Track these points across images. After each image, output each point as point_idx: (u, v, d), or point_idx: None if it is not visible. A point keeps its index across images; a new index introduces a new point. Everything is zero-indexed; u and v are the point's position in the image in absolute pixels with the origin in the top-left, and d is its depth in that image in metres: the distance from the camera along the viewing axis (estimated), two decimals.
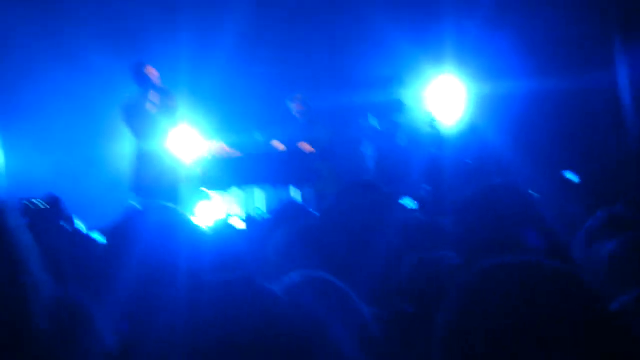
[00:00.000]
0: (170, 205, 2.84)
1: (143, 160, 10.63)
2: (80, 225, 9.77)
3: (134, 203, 10.91)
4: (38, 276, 1.54)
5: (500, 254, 1.93)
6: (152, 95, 10.65)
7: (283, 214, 5.45)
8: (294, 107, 12.06)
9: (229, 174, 11.24)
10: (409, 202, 8.49)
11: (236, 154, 11.58)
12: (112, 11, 13.94)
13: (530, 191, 3.53)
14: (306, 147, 11.60)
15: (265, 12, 13.84)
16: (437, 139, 11.70)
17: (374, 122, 12.69)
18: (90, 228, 9.71)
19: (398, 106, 12.85)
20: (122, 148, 12.07)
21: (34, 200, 9.65)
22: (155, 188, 10.33)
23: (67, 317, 1.91)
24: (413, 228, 3.95)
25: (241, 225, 7.35)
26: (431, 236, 3.86)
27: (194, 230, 2.71)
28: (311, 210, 5.59)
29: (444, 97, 12.86)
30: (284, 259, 3.54)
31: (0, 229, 1.51)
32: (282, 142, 11.77)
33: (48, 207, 9.47)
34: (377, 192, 4.14)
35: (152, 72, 10.73)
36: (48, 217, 9.50)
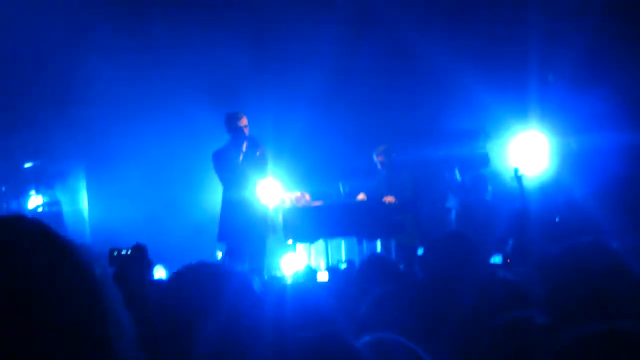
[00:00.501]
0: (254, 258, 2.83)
1: (231, 208, 10.69)
2: (163, 272, 9.91)
3: (220, 252, 11.03)
4: (122, 320, 1.57)
5: (592, 316, 1.90)
6: (243, 145, 10.74)
7: (367, 267, 5.44)
8: (378, 159, 12.04)
9: (313, 225, 11.25)
10: (495, 258, 8.40)
11: (319, 204, 11.61)
12: (204, 61, 14.16)
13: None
14: (389, 199, 11.57)
15: (351, 64, 13.93)
16: (522, 194, 11.58)
17: (458, 175, 12.63)
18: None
19: (483, 160, 12.79)
20: (211, 196, 12.18)
21: (120, 249, 9.82)
22: (242, 237, 10.40)
23: None
24: (498, 284, 3.90)
25: (324, 278, 7.35)
26: (517, 293, 3.81)
27: (278, 283, 2.70)
28: (395, 262, 5.57)
29: (530, 151, 12.76)
30: (373, 316, 3.52)
31: (86, 274, 1.54)
32: (366, 193, 11.76)
33: (134, 255, 9.61)
34: (467, 244, 4.09)
35: (244, 122, 10.81)
36: (134, 265, 9.65)
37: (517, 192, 11.69)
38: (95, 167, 15.19)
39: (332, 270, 7.94)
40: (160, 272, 9.94)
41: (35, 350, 1.43)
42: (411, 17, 12.95)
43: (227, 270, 2.68)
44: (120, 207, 14.45)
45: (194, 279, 2.65)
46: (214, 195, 11.78)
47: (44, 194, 14.76)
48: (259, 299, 2.64)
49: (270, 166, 11.37)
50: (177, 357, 2.51)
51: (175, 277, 2.70)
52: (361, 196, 11.71)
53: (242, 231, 10.43)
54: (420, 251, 10.66)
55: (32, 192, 14.71)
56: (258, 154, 10.77)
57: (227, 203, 10.77)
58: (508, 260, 8.57)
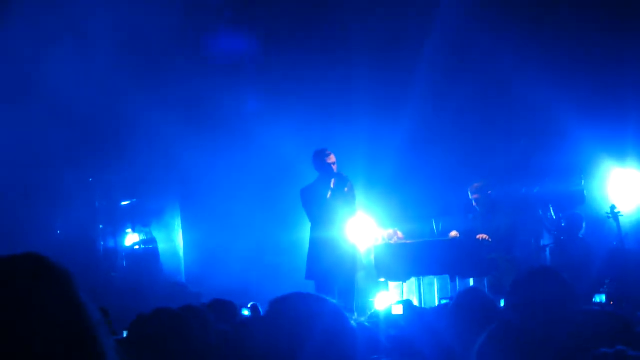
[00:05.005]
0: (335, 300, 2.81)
1: (319, 246, 10.66)
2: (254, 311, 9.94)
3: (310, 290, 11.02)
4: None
5: None
6: (331, 182, 10.70)
7: (461, 303, 5.40)
8: (474, 196, 11.96)
9: (405, 262, 11.19)
10: (598, 297, 8.27)
11: (412, 242, 11.55)
12: (295, 99, 14.27)
13: None
14: (483, 236, 11.47)
15: (446, 101, 13.92)
16: (619, 232, 11.38)
17: (553, 213, 12.48)
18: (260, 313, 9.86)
19: (579, 197, 12.63)
20: (301, 234, 12.20)
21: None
22: (330, 275, 10.37)
23: None
24: (598, 322, 3.83)
25: (399, 311, 7.29)
26: (617, 331, 3.73)
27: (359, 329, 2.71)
28: (492, 300, 5.50)
29: (627, 189, 12.55)
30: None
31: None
32: (460, 231, 11.67)
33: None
34: (557, 281, 4.00)
35: (332, 159, 10.76)
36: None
37: (614, 230, 11.50)
38: (190, 205, 15.42)
39: (409, 306, 7.86)
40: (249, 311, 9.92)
41: None
42: (506, 54, 12.90)
43: (322, 300, 2.69)
44: (213, 245, 14.65)
45: (291, 309, 2.66)
46: (303, 233, 11.76)
47: (140, 232, 15.00)
48: (354, 330, 2.65)
49: (364, 202, 11.35)
50: None
51: (273, 307, 2.72)
52: (454, 233, 11.63)
53: (330, 269, 10.37)
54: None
55: (129, 229, 14.96)
56: (346, 190, 10.70)
57: (315, 240, 10.72)
58: (611, 302, 8.44)
